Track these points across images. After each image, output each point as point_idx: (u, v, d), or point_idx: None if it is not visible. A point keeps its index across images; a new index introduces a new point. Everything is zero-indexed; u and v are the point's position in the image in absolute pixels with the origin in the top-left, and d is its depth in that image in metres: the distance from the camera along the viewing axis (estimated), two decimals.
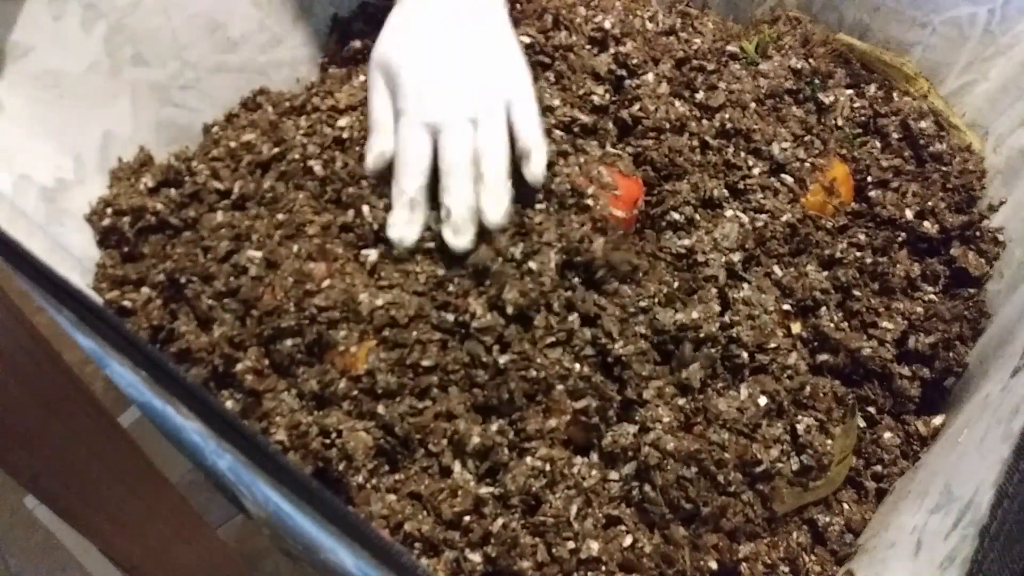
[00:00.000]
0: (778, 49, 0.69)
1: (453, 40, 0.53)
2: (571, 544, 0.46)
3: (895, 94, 0.67)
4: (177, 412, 0.35)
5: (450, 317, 0.50)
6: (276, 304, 0.50)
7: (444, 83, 0.52)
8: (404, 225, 0.52)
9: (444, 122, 0.51)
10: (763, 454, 0.49)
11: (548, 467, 0.47)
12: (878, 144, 0.65)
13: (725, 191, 0.58)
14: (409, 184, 0.52)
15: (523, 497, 0.47)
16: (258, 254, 0.53)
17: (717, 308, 0.54)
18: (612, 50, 0.62)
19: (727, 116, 0.60)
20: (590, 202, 0.52)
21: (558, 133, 0.56)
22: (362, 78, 0.63)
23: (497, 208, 0.51)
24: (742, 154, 0.60)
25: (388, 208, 0.55)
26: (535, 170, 0.52)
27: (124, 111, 0.60)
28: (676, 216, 0.56)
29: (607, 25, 0.62)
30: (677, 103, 0.60)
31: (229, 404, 0.50)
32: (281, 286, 0.51)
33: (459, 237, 0.51)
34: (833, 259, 0.58)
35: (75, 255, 0.54)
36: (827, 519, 0.51)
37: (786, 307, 0.56)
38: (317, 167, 0.57)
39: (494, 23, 0.55)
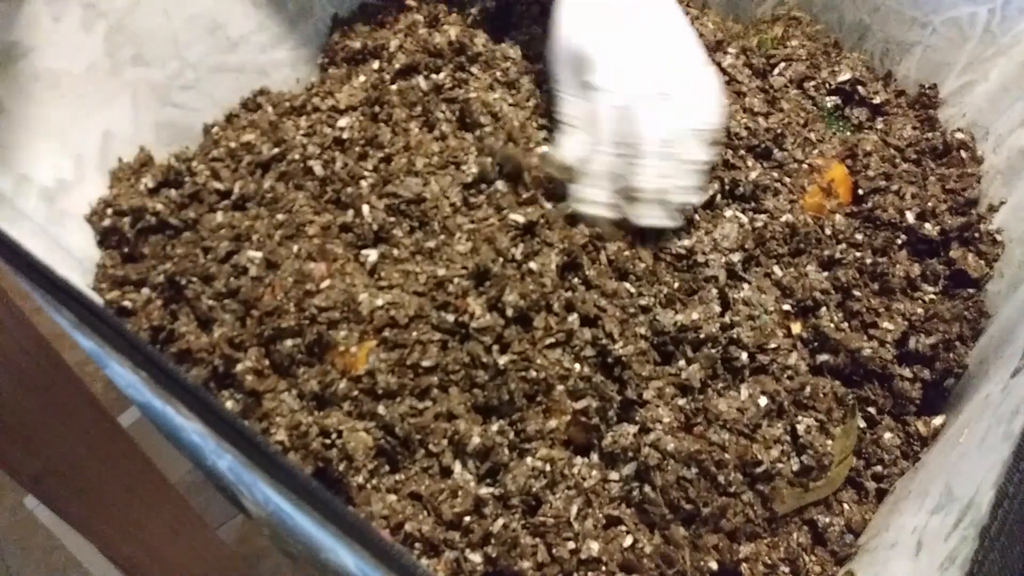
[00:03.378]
0: (783, 48, 0.69)
1: (639, 28, 0.55)
2: (571, 544, 0.46)
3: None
4: (177, 412, 0.35)
5: (450, 317, 0.50)
6: (276, 304, 0.51)
7: (639, 68, 0.53)
8: (597, 199, 0.53)
9: (640, 104, 0.52)
10: (763, 454, 0.49)
11: (548, 467, 0.47)
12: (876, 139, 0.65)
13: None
14: (602, 165, 0.53)
15: (523, 497, 0.47)
16: (258, 254, 0.53)
17: (717, 308, 0.54)
18: None
19: (725, 116, 0.60)
20: None
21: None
22: (362, 78, 0.63)
23: (689, 191, 0.53)
24: (741, 153, 0.60)
25: (387, 209, 0.55)
26: (713, 159, 0.55)
27: (124, 111, 0.60)
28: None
29: None
30: None
31: (229, 404, 0.50)
32: (281, 286, 0.51)
33: (655, 213, 0.53)
34: (833, 259, 0.58)
35: (75, 255, 0.54)
36: (827, 519, 0.51)
37: (786, 307, 0.56)
38: (317, 167, 0.57)
39: (672, 13, 0.57)
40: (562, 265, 0.51)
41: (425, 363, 0.49)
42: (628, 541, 0.47)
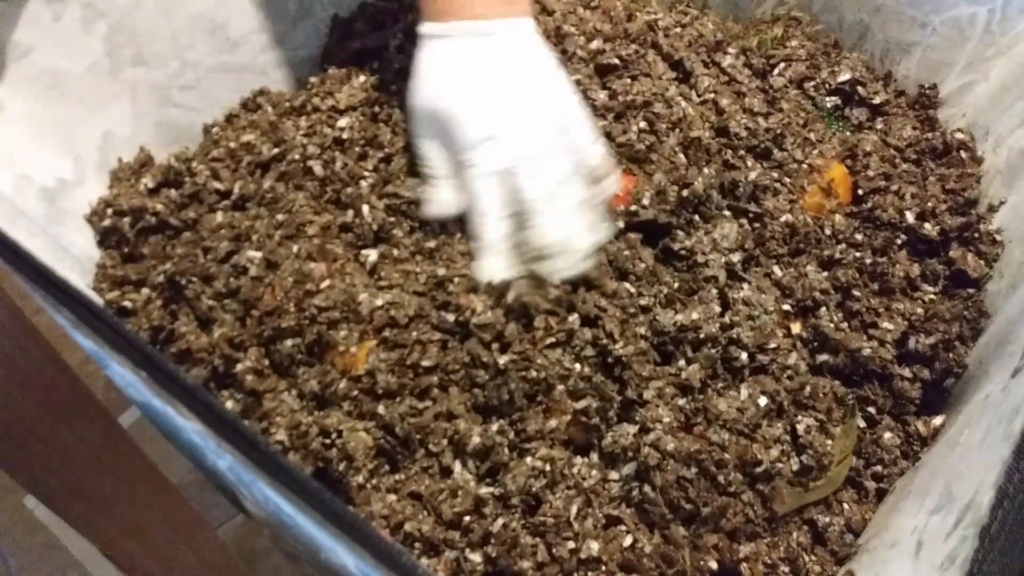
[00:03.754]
0: (783, 48, 0.69)
1: (500, 79, 0.51)
2: (571, 544, 0.46)
3: None
4: (177, 412, 0.35)
5: (450, 317, 0.50)
6: (276, 304, 0.51)
7: (508, 127, 0.50)
8: (501, 272, 0.51)
9: (517, 165, 0.50)
10: (763, 454, 0.49)
11: (548, 467, 0.47)
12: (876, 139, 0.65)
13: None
14: (494, 234, 0.51)
15: (523, 497, 0.47)
16: (258, 254, 0.53)
17: (717, 308, 0.54)
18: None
19: (725, 116, 0.60)
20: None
21: None
22: (362, 78, 0.63)
23: (596, 233, 0.52)
24: (741, 153, 0.60)
25: (387, 209, 0.55)
26: (610, 191, 0.54)
27: (124, 111, 0.60)
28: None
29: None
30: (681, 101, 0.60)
31: (229, 404, 0.50)
32: (281, 286, 0.51)
33: (566, 264, 0.51)
34: (833, 259, 0.58)
35: (75, 255, 0.54)
36: (827, 519, 0.51)
37: (786, 307, 0.56)
38: (317, 167, 0.57)
39: (531, 54, 0.53)
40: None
41: (425, 363, 0.49)
42: (628, 541, 0.47)
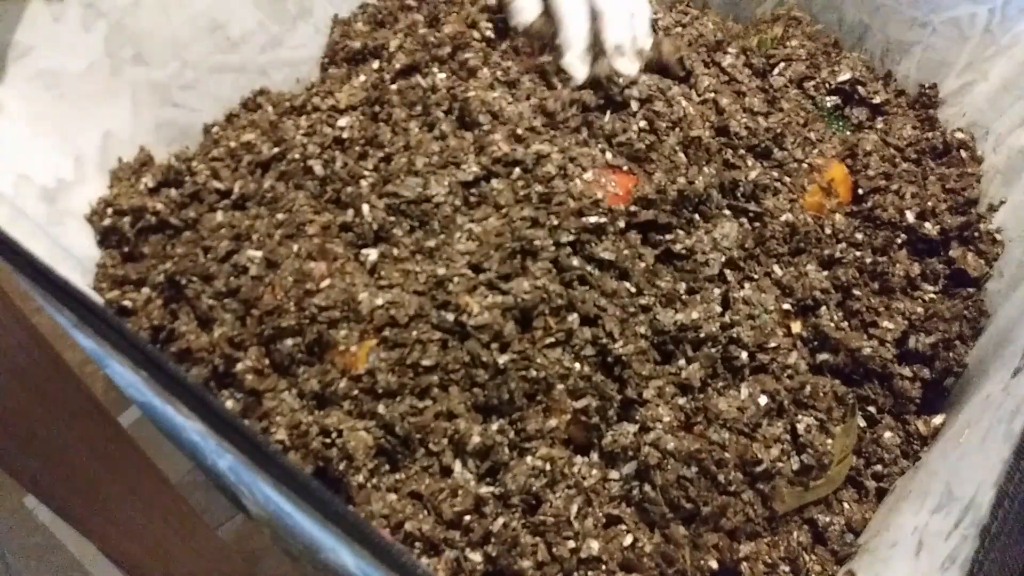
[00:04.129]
0: (783, 48, 0.69)
1: None
2: (571, 543, 0.46)
3: None
4: (177, 412, 0.35)
5: (450, 317, 0.50)
6: (276, 304, 0.51)
7: None
8: (580, 64, 0.60)
9: None
10: (763, 454, 0.49)
11: (548, 467, 0.47)
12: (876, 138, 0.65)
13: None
14: (578, 30, 0.60)
15: (523, 497, 0.47)
16: (258, 254, 0.53)
17: (717, 308, 0.54)
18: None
19: (725, 116, 0.60)
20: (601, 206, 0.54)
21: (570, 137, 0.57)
22: (362, 78, 0.63)
23: (647, 38, 0.62)
24: (741, 153, 0.60)
25: (387, 208, 0.55)
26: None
27: (124, 111, 0.60)
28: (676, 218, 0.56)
29: None
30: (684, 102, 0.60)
31: (229, 404, 0.50)
32: (281, 286, 0.51)
33: (632, 64, 0.60)
34: (833, 259, 0.58)
35: (75, 255, 0.54)
36: (827, 519, 0.51)
37: (786, 307, 0.56)
38: (317, 167, 0.57)
39: None
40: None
41: (425, 362, 0.49)
42: (628, 540, 0.47)
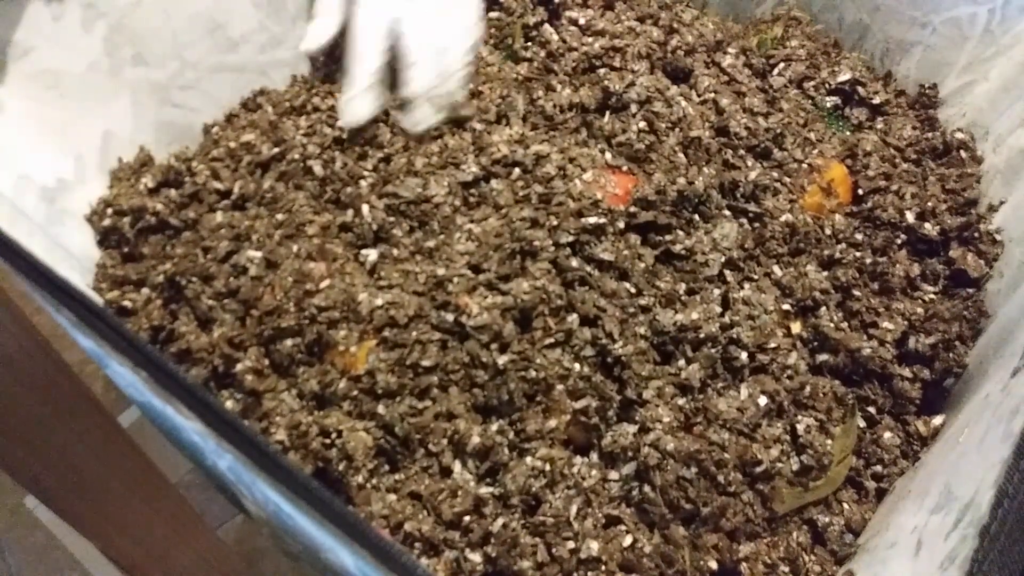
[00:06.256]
0: (783, 48, 0.69)
1: None
2: (571, 544, 0.46)
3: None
4: (177, 412, 0.35)
5: (449, 317, 0.50)
6: (276, 304, 0.51)
7: None
8: (359, 105, 0.56)
9: (405, 16, 0.54)
10: (763, 454, 0.49)
11: (548, 467, 0.47)
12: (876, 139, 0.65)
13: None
14: (367, 67, 0.56)
15: (523, 497, 0.47)
16: (258, 254, 0.53)
17: (717, 308, 0.54)
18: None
19: (725, 116, 0.60)
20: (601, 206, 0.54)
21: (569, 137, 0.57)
22: None
23: (460, 90, 0.57)
24: (741, 153, 0.60)
25: (387, 209, 0.55)
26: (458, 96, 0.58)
27: (124, 111, 0.60)
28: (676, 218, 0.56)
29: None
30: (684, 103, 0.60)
31: (229, 404, 0.50)
32: (281, 286, 0.51)
33: (426, 117, 0.57)
34: (833, 259, 0.58)
35: (75, 255, 0.54)
36: (827, 519, 0.51)
37: (786, 307, 0.56)
38: (317, 167, 0.57)
39: None
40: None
41: (425, 363, 0.49)
42: (628, 541, 0.47)
